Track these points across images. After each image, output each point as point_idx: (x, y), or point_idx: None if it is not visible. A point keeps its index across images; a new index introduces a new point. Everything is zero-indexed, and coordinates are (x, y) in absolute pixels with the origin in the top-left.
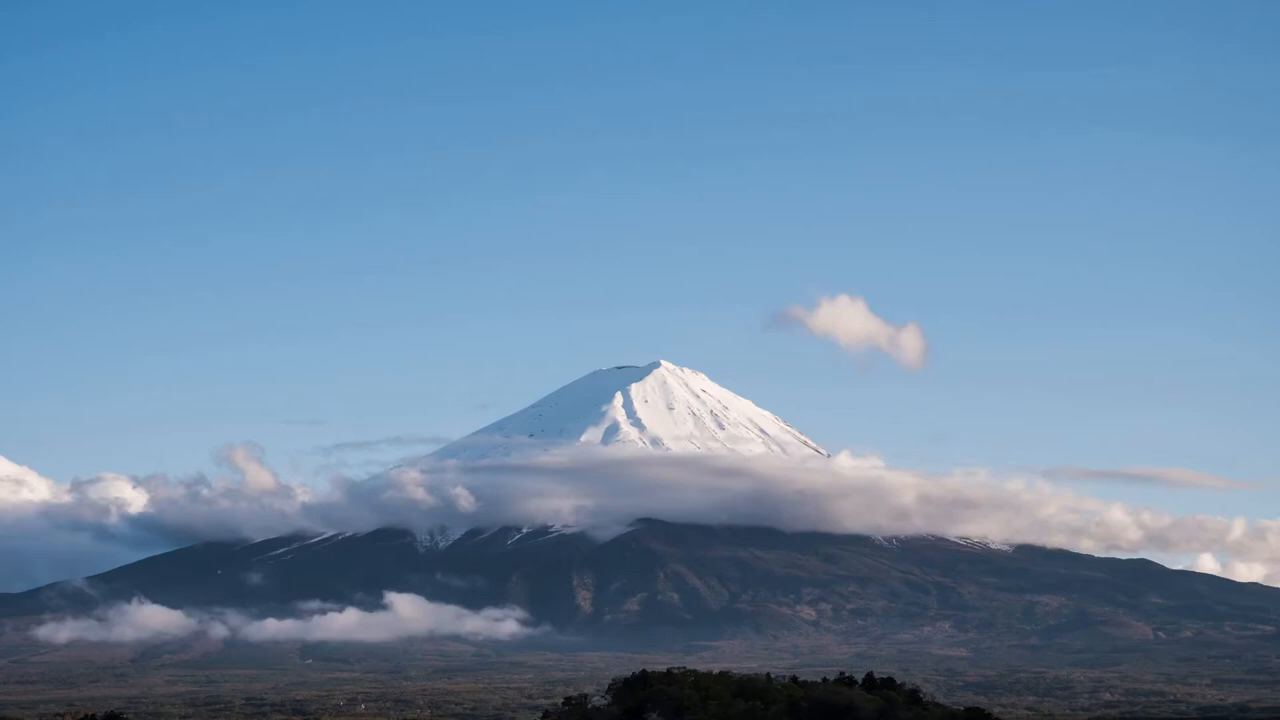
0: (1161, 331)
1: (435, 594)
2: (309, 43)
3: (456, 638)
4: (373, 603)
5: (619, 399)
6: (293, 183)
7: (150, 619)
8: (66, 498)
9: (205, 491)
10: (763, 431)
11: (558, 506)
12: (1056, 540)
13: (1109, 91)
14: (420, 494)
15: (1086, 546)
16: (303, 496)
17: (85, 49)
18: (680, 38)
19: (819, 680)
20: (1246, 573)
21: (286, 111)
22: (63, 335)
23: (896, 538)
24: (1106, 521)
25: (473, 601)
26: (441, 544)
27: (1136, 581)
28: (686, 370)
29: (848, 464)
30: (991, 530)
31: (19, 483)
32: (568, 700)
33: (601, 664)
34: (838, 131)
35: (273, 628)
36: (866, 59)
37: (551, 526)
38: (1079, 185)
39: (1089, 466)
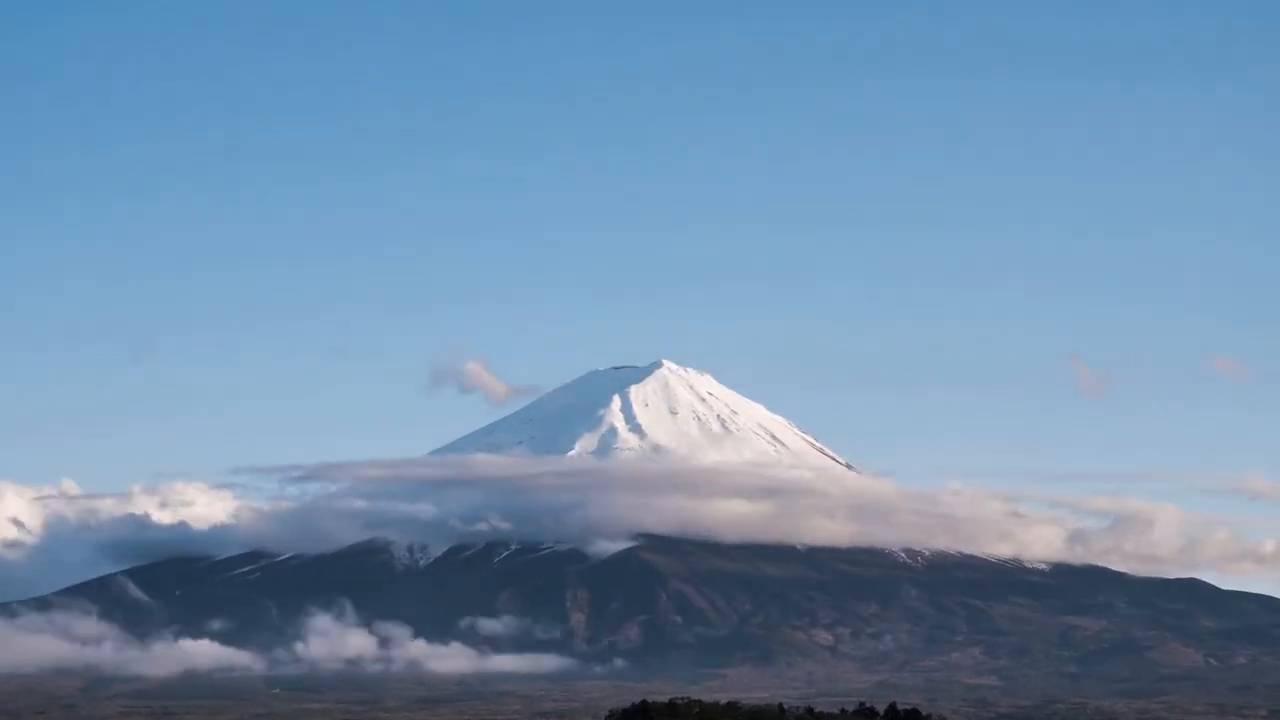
0: (1216, 329)
1: (415, 616)
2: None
3: (439, 664)
4: (346, 626)
5: (617, 402)
6: (274, 178)
7: (101, 644)
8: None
9: (161, 502)
10: (775, 438)
11: (549, 520)
12: (1096, 558)
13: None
14: (398, 507)
15: (1130, 565)
16: (270, 509)
17: None
18: (682, 29)
19: (837, 711)
20: None
21: (263, 99)
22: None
23: (922, 555)
24: (1151, 537)
25: (456, 625)
26: (422, 561)
27: (1185, 603)
28: (691, 370)
29: (868, 474)
30: (1026, 547)
31: None
32: None
33: (598, 693)
34: (837, 128)
35: (237, 653)
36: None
37: (543, 542)
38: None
39: (1132, 477)
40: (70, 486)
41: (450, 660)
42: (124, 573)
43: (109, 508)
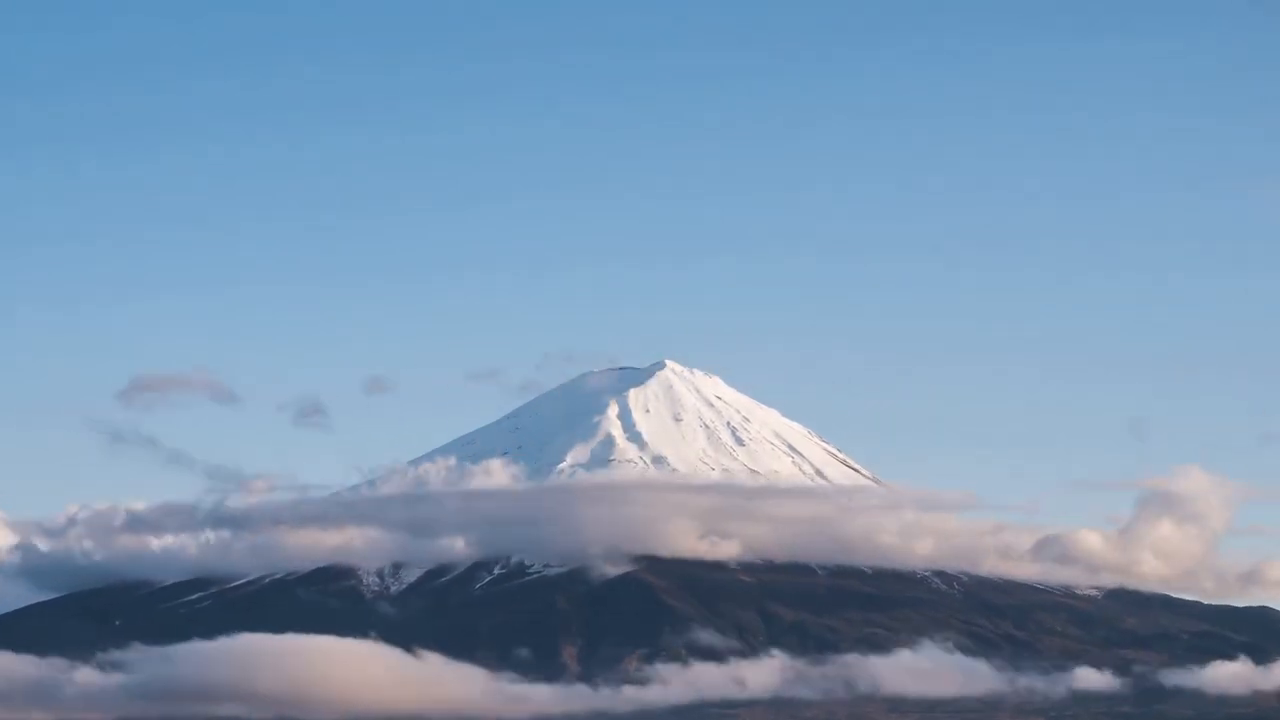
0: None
1: (387, 648)
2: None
3: (413, 702)
4: (309, 659)
5: (614, 408)
6: (260, 177)
7: (30, 679)
8: None
9: (98, 522)
10: (792, 448)
11: (538, 541)
12: (1155, 584)
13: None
14: (368, 526)
15: (1192, 591)
16: (222, 528)
17: None
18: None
19: None
20: None
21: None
22: None
23: (958, 580)
24: (1216, 560)
25: (434, 658)
26: (394, 588)
27: (1254, 634)
28: (697, 372)
29: (897, 488)
30: (1075, 571)
31: None
32: None
33: None
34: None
35: (187, 690)
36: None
37: (531, 566)
38: None
39: (1190, 491)
40: None
41: (426, 697)
42: (56, 600)
43: (38, 529)
